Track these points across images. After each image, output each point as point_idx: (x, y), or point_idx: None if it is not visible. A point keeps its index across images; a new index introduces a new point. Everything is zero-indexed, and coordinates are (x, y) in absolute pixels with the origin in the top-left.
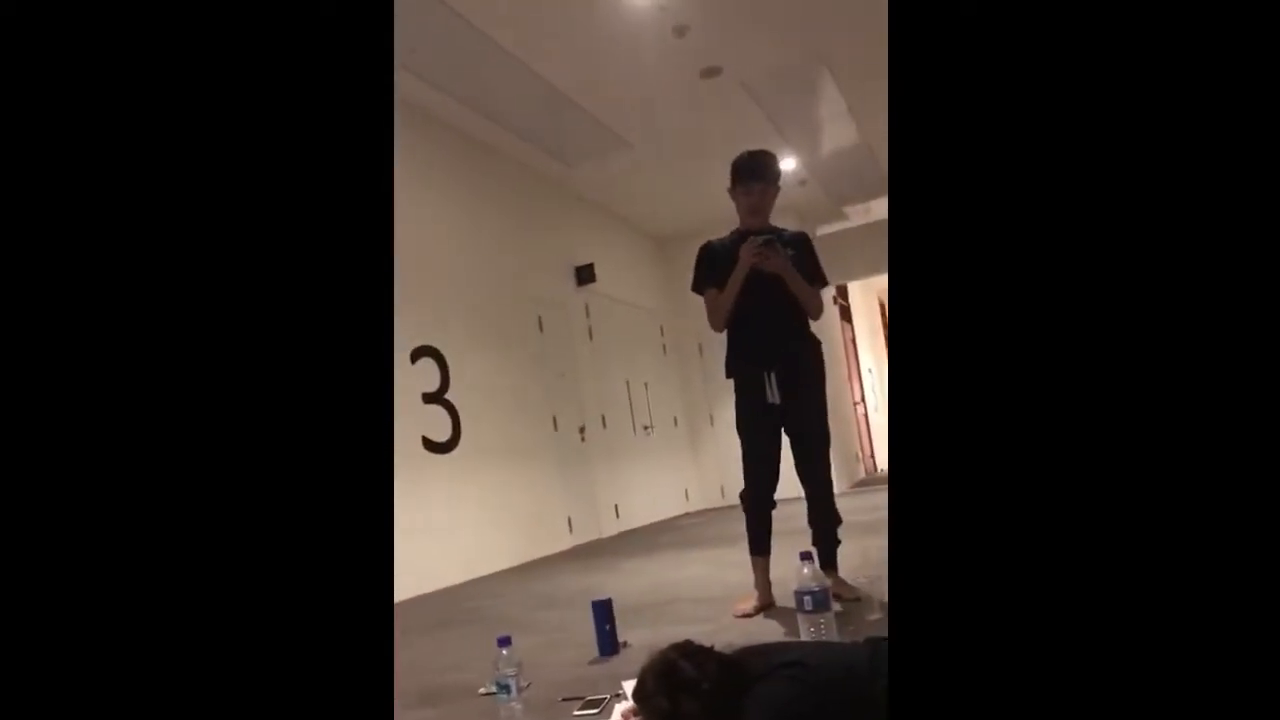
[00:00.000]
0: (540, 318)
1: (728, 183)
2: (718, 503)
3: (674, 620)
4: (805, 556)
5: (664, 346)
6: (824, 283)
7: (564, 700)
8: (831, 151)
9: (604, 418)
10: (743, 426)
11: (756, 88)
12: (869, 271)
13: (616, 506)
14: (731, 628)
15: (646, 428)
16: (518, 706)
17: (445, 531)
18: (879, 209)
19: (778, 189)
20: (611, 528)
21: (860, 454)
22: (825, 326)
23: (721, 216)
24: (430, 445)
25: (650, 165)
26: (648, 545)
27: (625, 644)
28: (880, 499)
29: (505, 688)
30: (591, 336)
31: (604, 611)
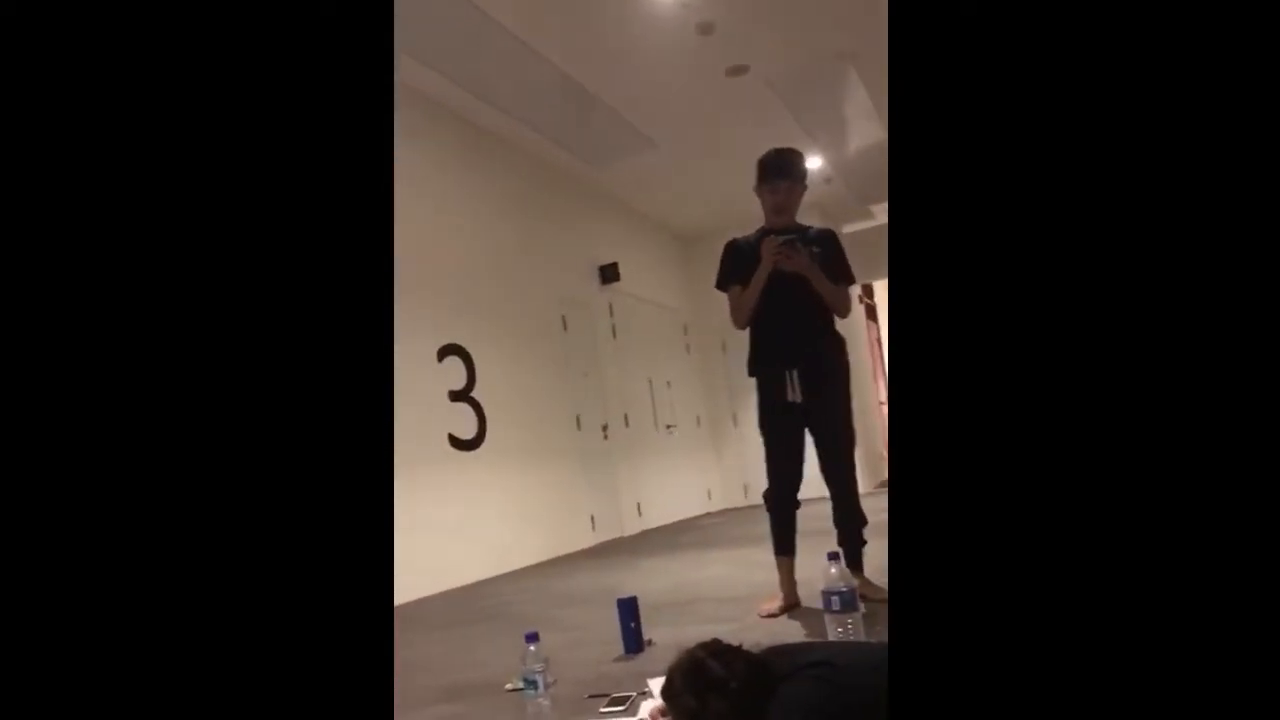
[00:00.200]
0: (564, 317)
1: (753, 181)
2: (740, 502)
3: (697, 620)
4: (833, 556)
5: (687, 346)
6: (851, 280)
7: (590, 697)
8: (857, 149)
9: (627, 416)
10: (765, 425)
11: (782, 86)
12: None
13: (639, 505)
14: (756, 627)
15: (669, 427)
16: (545, 703)
17: (470, 528)
18: None
19: (804, 187)
20: (634, 526)
21: (885, 454)
22: (850, 325)
23: (747, 215)
24: (456, 443)
25: (675, 164)
26: (670, 544)
27: (650, 642)
28: None
29: (532, 683)
30: (615, 335)
31: (629, 609)
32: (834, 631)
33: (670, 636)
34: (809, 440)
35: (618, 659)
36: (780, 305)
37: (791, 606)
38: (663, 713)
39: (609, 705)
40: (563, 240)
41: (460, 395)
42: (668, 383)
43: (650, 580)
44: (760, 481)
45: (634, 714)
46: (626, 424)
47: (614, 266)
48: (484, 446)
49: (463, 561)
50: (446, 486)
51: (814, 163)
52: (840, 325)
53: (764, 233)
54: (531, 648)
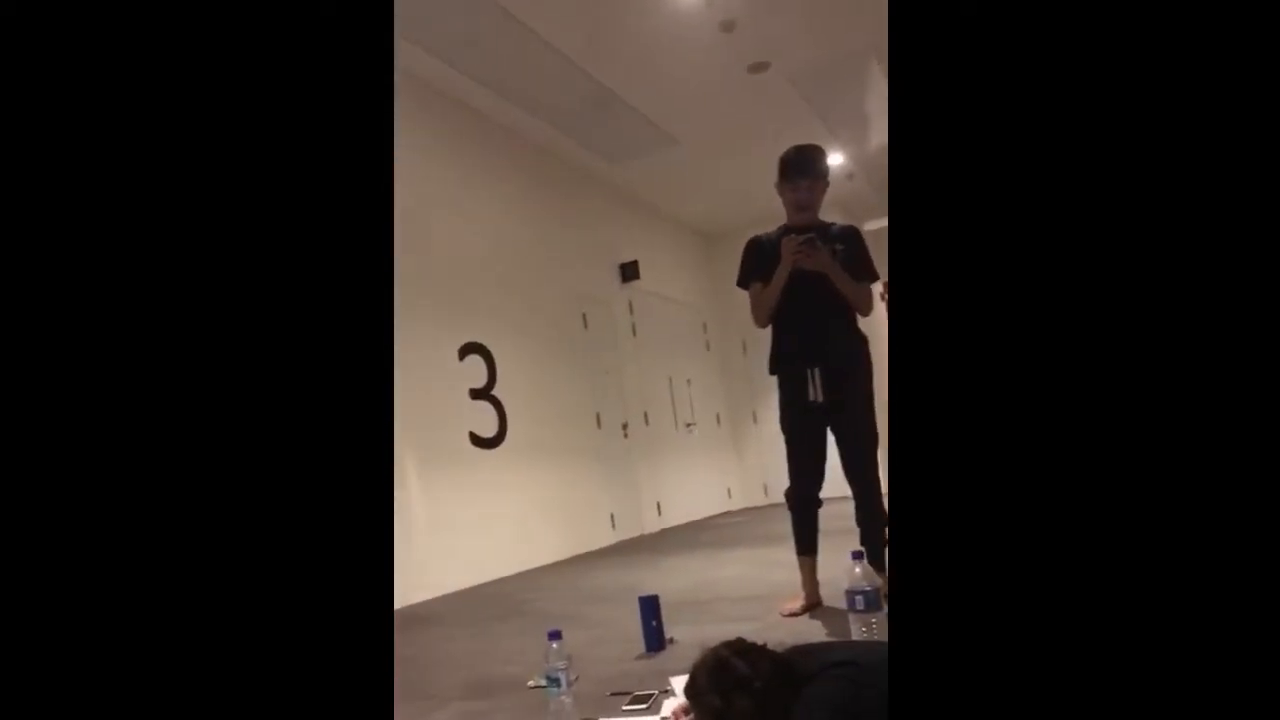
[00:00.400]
0: (585, 314)
1: (775, 178)
2: (760, 501)
3: (718, 618)
4: (857, 556)
5: (707, 343)
6: (874, 278)
7: (612, 695)
8: (879, 146)
9: (646, 414)
10: (786, 424)
11: (804, 83)
12: None
13: (659, 504)
14: (778, 626)
15: (689, 425)
16: (567, 700)
17: (490, 526)
18: None
19: (826, 184)
20: (654, 525)
21: None
22: (874, 323)
23: (768, 212)
24: (477, 441)
25: (696, 161)
26: (690, 543)
27: (671, 640)
28: None
29: (555, 681)
30: (635, 333)
31: (651, 607)
32: (858, 631)
33: (691, 635)
34: (830, 439)
35: (639, 657)
36: (802, 303)
37: (813, 606)
38: (685, 711)
39: (631, 703)
40: (583, 238)
41: (481, 393)
42: (688, 381)
43: (671, 579)
44: (780, 480)
45: (656, 712)
46: (646, 422)
47: (634, 264)
48: (505, 445)
49: (484, 559)
50: (467, 485)
51: (836, 159)
52: (863, 323)
53: (785, 230)
54: (554, 645)
